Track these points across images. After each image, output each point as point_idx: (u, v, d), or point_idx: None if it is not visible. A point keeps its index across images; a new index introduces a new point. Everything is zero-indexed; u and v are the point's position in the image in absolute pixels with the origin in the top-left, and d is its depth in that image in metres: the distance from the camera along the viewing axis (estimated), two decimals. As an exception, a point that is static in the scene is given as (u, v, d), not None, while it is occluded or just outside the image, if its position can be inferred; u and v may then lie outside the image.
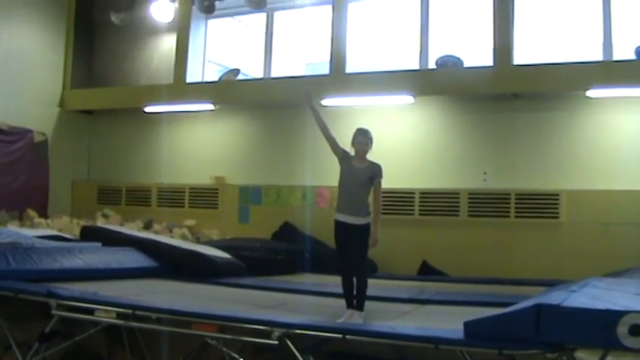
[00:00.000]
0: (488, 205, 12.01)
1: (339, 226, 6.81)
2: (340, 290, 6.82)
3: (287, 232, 13.13)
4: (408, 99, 12.54)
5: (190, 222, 13.96)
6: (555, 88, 11.54)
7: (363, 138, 6.87)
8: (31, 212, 13.59)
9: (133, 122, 15.56)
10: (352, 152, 6.92)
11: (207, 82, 14.76)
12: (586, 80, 11.03)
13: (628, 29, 11.66)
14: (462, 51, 12.59)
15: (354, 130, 7.00)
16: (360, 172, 6.80)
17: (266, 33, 14.57)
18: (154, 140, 15.40)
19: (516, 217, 11.81)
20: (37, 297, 6.87)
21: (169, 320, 6.40)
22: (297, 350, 5.73)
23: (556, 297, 5.57)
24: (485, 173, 12.23)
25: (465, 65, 12.41)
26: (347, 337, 5.65)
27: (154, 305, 6.64)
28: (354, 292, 6.68)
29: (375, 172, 6.82)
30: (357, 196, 6.77)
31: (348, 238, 6.75)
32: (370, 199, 6.89)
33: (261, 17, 14.74)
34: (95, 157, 16.20)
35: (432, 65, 12.66)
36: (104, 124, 16.08)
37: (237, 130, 14.66)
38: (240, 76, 14.70)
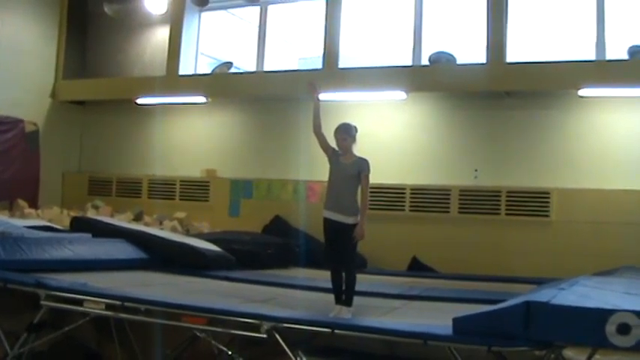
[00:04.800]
0: (479, 202, 12.03)
1: (327, 223, 6.80)
2: (330, 285, 6.82)
3: (277, 226, 13.13)
4: (400, 95, 12.55)
5: (181, 214, 13.93)
6: (548, 86, 11.55)
7: (341, 134, 6.82)
8: (22, 202, 13.56)
9: (125, 114, 15.52)
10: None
11: (199, 75, 14.72)
12: (579, 79, 11.04)
13: (621, 29, 11.67)
14: (455, 48, 12.59)
15: (344, 125, 6.99)
16: (346, 167, 6.78)
17: (259, 26, 14.54)
18: (146, 132, 15.38)
19: (507, 214, 11.83)
20: (25, 287, 6.85)
21: (158, 312, 6.39)
22: (286, 344, 5.74)
23: (545, 294, 5.58)
24: (476, 170, 12.25)
25: (458, 62, 12.42)
26: (336, 331, 5.66)
27: (143, 297, 6.64)
28: (343, 288, 6.68)
29: (361, 166, 6.76)
30: (344, 193, 6.74)
31: (336, 235, 6.74)
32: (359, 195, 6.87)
33: (254, 11, 14.71)
34: (86, 148, 16.16)
35: (425, 61, 12.65)
36: (96, 115, 16.04)
37: (229, 124, 14.64)
38: (232, 70, 14.66)
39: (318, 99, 7.02)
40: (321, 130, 6.88)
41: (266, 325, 5.74)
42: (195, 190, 14.55)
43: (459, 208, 12.18)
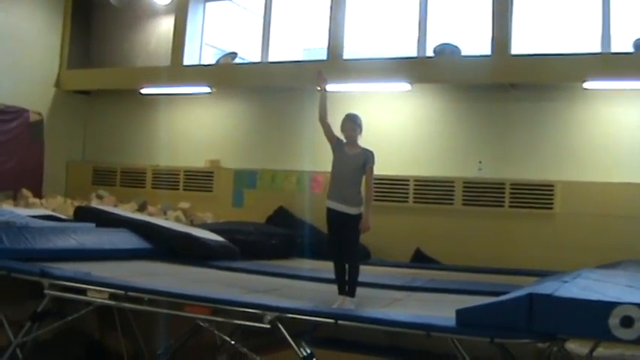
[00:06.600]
0: (483, 194, 12.02)
1: (330, 213, 6.76)
2: (333, 276, 6.82)
3: (281, 216, 13.13)
4: (405, 86, 12.54)
5: (185, 205, 13.95)
6: (553, 79, 11.54)
7: (350, 124, 6.79)
8: (26, 192, 13.56)
9: (130, 104, 15.53)
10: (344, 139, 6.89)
11: (204, 65, 14.73)
12: (584, 72, 11.03)
13: (627, 22, 11.64)
14: (460, 39, 12.57)
15: (347, 116, 6.97)
16: (351, 158, 6.75)
17: (264, 17, 14.50)
18: (150, 122, 15.39)
19: (511, 206, 11.83)
20: (29, 276, 6.86)
21: (162, 302, 6.41)
22: (289, 334, 5.75)
23: (548, 287, 5.58)
24: (480, 162, 12.25)
25: (463, 54, 12.40)
26: (339, 322, 5.66)
27: (146, 287, 6.65)
28: (346, 278, 6.67)
29: (366, 158, 6.73)
30: (348, 183, 6.71)
31: (340, 225, 6.71)
32: (363, 186, 6.84)
33: (259, 1, 14.68)
34: (91, 138, 16.18)
35: (429, 53, 12.64)
36: (100, 104, 16.05)
37: (233, 114, 14.65)
38: (237, 60, 14.65)
39: (325, 89, 7.01)
40: (326, 118, 6.86)
41: (269, 316, 5.75)
42: (199, 180, 14.55)
43: (463, 200, 12.18)
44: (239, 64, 14.70)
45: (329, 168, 6.93)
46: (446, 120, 12.72)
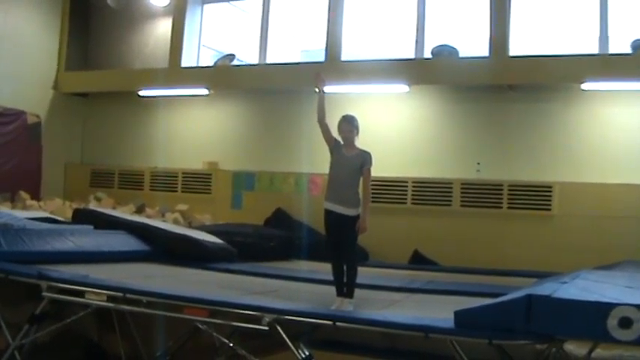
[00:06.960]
0: (481, 195, 12.03)
1: (328, 214, 6.78)
2: (331, 277, 6.82)
3: (279, 218, 13.13)
4: (403, 88, 12.54)
5: (183, 207, 13.94)
6: (551, 80, 11.55)
7: (347, 125, 6.80)
8: (24, 194, 13.55)
9: (128, 106, 15.51)
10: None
11: (202, 67, 14.72)
12: (581, 73, 11.04)
13: (624, 23, 11.65)
14: (457, 41, 12.57)
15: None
16: (349, 159, 6.75)
17: (262, 19, 14.51)
18: (148, 124, 15.37)
19: (509, 208, 11.83)
20: (27, 279, 6.86)
21: (160, 304, 6.40)
22: (288, 336, 5.74)
23: (547, 288, 5.58)
24: (478, 164, 12.25)
25: (461, 55, 12.40)
26: (337, 324, 5.66)
27: (144, 289, 6.64)
28: (345, 280, 6.67)
29: (364, 159, 6.75)
30: (345, 185, 6.72)
31: (338, 226, 6.72)
32: (360, 187, 6.84)
33: (257, 2, 14.67)
34: (89, 140, 16.16)
35: (427, 54, 12.64)
36: (98, 107, 16.03)
37: (232, 116, 14.64)
38: (235, 62, 14.64)
39: (323, 90, 7.00)
40: (325, 120, 6.86)
41: (268, 318, 5.75)
42: (198, 182, 14.55)
43: (461, 201, 12.18)
44: (237, 66, 14.67)
45: (327, 170, 6.93)
46: (444, 121, 12.73)
